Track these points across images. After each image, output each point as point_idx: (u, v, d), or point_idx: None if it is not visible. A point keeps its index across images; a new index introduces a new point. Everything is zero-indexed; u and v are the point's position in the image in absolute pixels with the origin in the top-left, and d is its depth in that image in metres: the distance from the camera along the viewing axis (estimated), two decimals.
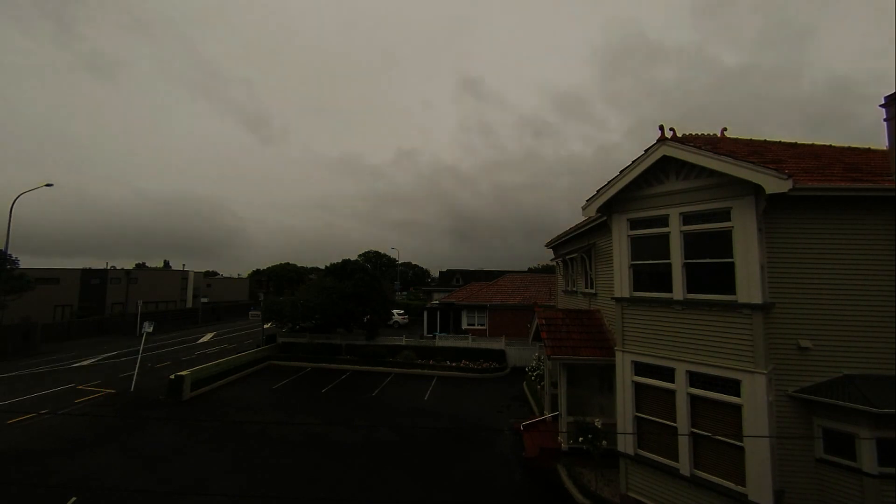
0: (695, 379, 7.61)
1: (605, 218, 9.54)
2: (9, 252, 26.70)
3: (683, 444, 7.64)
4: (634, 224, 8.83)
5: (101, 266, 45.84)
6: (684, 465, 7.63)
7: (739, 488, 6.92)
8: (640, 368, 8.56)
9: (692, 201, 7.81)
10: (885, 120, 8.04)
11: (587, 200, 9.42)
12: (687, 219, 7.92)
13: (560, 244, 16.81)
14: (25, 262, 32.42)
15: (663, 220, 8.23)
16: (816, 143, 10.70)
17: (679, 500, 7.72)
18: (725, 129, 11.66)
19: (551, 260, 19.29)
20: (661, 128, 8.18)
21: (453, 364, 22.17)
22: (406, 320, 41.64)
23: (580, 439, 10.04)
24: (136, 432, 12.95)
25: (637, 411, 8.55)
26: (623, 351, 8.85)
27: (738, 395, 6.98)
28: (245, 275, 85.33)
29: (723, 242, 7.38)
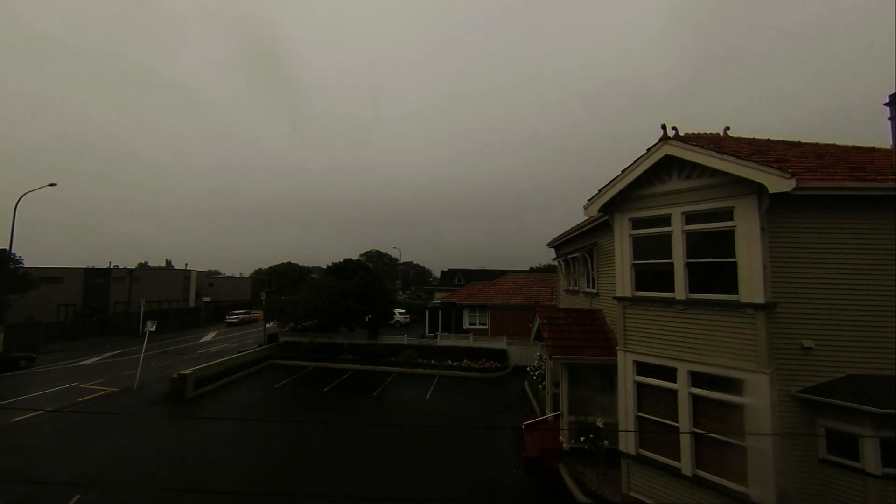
0: (697, 379, 7.59)
1: (606, 217, 9.51)
2: (13, 251, 26.85)
3: (685, 444, 7.63)
4: (636, 223, 8.80)
5: (105, 265, 46.07)
6: (686, 464, 7.61)
7: (742, 488, 6.90)
8: (641, 368, 8.54)
9: (695, 200, 7.78)
10: (888, 119, 8.01)
11: (589, 200, 9.39)
12: (689, 218, 7.89)
13: (562, 244, 16.79)
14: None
15: (665, 220, 8.21)
16: (820, 142, 10.66)
17: (681, 500, 7.70)
18: (728, 128, 11.63)
19: (553, 259, 19.27)
20: (664, 127, 8.13)
21: (455, 363, 22.17)
22: (407, 320, 41.69)
23: (582, 439, 10.02)
24: (139, 431, 13.01)
25: (639, 411, 8.54)
26: (625, 350, 8.84)
27: (740, 394, 6.97)
28: (247, 274, 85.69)
29: (725, 242, 7.35)
